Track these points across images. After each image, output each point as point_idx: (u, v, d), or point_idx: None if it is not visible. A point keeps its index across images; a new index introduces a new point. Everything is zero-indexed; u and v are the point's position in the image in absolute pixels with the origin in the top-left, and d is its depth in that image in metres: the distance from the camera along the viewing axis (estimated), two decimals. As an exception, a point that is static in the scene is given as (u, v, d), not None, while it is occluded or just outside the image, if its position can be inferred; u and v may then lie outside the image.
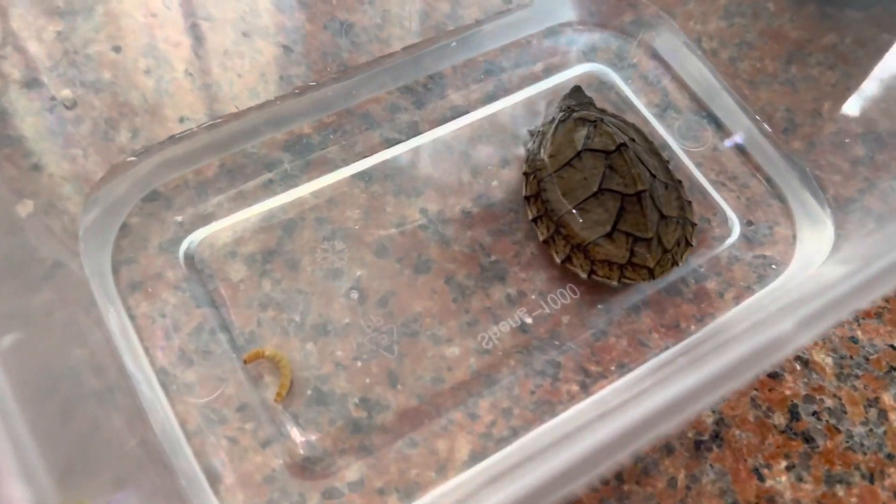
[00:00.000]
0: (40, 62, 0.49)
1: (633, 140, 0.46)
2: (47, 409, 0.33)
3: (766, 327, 0.25)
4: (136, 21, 0.51)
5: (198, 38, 0.52)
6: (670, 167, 0.47)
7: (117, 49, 0.50)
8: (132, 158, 0.45)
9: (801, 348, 0.29)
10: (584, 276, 0.44)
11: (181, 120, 0.48)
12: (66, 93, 0.48)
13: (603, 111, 0.49)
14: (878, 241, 0.41)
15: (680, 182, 0.47)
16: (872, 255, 0.38)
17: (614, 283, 0.44)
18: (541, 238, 0.45)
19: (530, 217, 0.46)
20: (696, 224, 0.46)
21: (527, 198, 0.46)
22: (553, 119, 0.48)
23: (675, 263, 0.44)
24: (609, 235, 0.43)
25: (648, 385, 0.39)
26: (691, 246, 0.45)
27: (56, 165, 0.45)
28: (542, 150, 0.47)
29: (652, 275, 0.43)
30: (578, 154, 0.45)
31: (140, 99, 0.49)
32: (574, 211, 0.44)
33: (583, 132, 0.45)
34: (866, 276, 0.28)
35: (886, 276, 0.27)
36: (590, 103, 0.49)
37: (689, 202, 0.46)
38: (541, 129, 0.48)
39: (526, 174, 0.47)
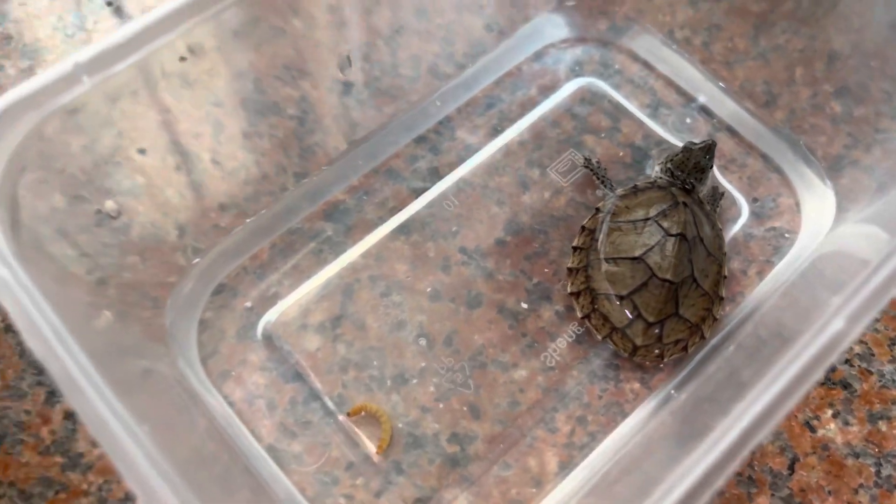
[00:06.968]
0: (75, 178, 0.51)
1: (701, 240, 0.47)
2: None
3: (819, 330, 0.29)
4: (153, 120, 0.54)
5: (215, 125, 0.55)
6: (722, 282, 0.48)
7: (142, 151, 0.53)
8: (196, 261, 0.48)
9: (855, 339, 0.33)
10: (578, 315, 0.47)
11: (221, 207, 0.51)
12: (109, 203, 0.51)
13: (701, 202, 0.50)
14: (886, 202, 0.45)
15: (721, 298, 0.48)
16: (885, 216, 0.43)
17: (599, 336, 0.47)
18: (567, 265, 0.49)
19: (573, 244, 0.49)
20: (705, 338, 0.47)
21: (583, 227, 0.49)
22: (656, 180, 0.51)
23: (660, 357, 0.46)
24: (620, 297, 0.46)
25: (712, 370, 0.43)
26: (686, 352, 0.47)
27: (119, 276, 0.49)
28: (622, 200, 0.49)
29: (634, 353, 0.46)
30: (646, 219, 0.48)
31: (177, 196, 0.52)
32: (607, 261, 0.47)
33: (664, 205, 0.48)
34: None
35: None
36: (705, 168, 0.50)
37: (716, 318, 0.47)
38: (637, 184, 0.51)
39: (597, 209, 0.50)
